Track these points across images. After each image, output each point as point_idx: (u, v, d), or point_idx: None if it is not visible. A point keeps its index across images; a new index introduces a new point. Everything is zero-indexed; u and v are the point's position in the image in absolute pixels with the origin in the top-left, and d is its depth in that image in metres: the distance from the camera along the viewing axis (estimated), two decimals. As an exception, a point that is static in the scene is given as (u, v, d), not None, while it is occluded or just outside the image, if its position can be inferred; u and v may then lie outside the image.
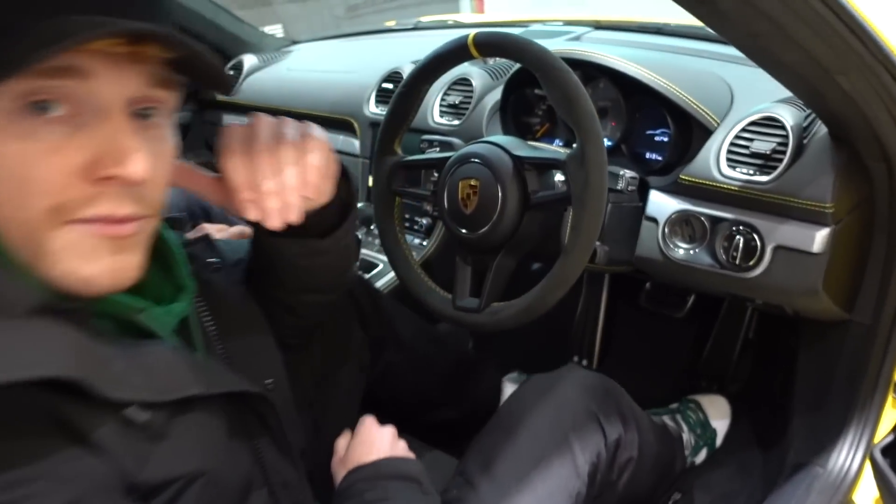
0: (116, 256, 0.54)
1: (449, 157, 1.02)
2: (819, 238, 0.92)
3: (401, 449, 0.85)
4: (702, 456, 1.33)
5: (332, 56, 1.89)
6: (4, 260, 0.50)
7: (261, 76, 1.86)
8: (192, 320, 0.68)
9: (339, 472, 0.81)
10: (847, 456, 1.13)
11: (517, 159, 0.95)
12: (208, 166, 0.75)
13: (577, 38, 1.52)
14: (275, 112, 1.82)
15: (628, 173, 1.02)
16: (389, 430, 0.85)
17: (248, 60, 1.90)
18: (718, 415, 1.40)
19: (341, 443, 0.87)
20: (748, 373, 1.56)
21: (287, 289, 0.84)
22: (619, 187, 1.01)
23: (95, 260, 0.52)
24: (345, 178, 0.80)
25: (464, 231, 0.99)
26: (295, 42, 2.10)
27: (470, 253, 1.02)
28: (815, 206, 0.91)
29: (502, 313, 0.95)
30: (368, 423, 0.86)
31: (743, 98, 1.08)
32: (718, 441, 1.37)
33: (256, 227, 0.76)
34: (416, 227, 1.41)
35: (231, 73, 1.92)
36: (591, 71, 1.15)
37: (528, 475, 0.82)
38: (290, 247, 0.77)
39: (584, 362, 1.73)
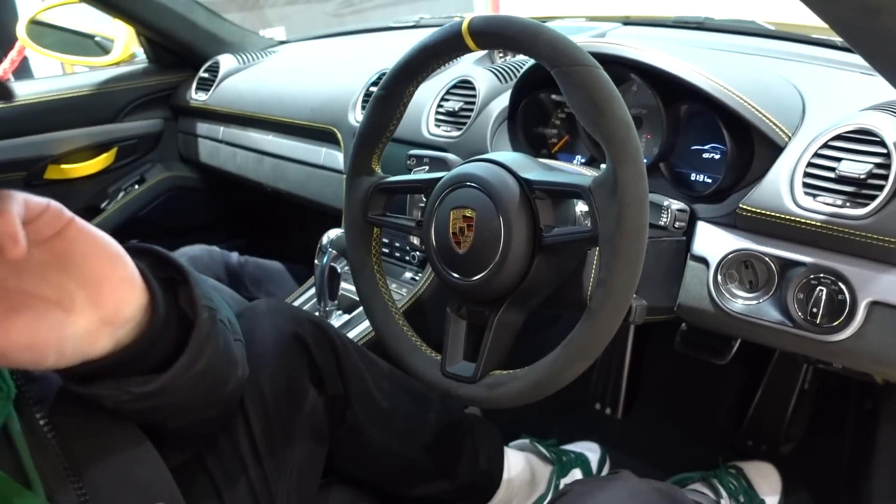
0: None
1: (439, 179, 0.79)
2: (936, 293, 0.68)
3: None
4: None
5: (320, 57, 1.67)
6: None
7: (238, 79, 1.64)
8: (17, 440, 0.46)
9: None
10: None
11: (526, 184, 0.72)
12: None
13: (601, 35, 1.29)
14: (249, 120, 1.61)
15: (675, 205, 0.78)
16: None
17: (226, 62, 1.68)
18: (766, 486, 1.16)
19: None
20: (803, 431, 1.32)
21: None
22: (662, 223, 0.77)
23: None
24: (183, 282, 0.57)
25: (455, 276, 0.76)
26: (283, 42, 1.88)
27: (464, 303, 0.79)
28: (933, 251, 0.67)
29: (504, 388, 0.71)
30: None
31: (818, 105, 0.84)
32: (771, 518, 1.13)
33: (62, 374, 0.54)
34: (406, 257, 1.18)
35: (205, 75, 1.71)
36: (620, 71, 0.91)
37: None
38: (107, 395, 0.54)
39: (608, 411, 1.49)
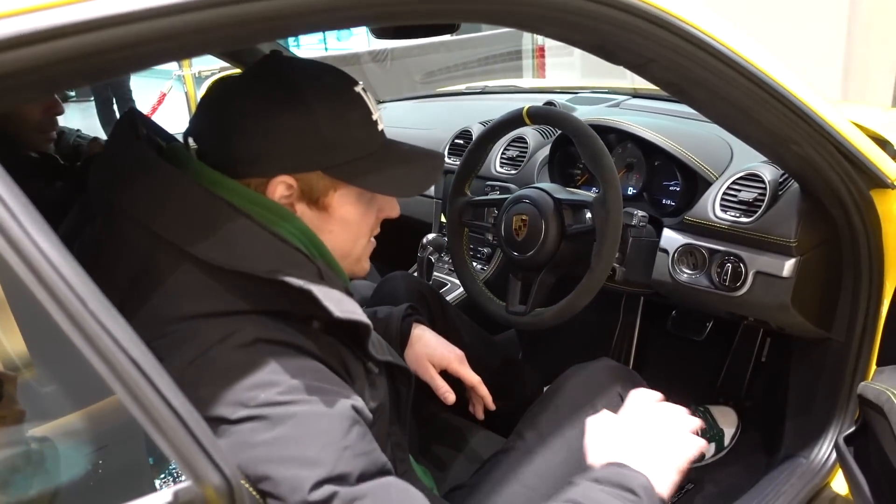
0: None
1: (506, 198, 1.35)
2: (787, 266, 1.20)
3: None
4: (710, 450, 1.59)
5: (413, 115, 2.26)
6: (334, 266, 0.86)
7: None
8: None
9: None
10: (826, 449, 1.38)
11: (557, 200, 1.28)
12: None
13: (616, 105, 1.84)
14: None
15: (639, 213, 1.32)
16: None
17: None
18: (726, 421, 1.65)
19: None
20: (761, 392, 1.80)
21: None
22: (633, 223, 1.31)
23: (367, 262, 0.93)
24: None
25: (515, 254, 1.31)
26: (381, 102, 2.48)
27: (520, 270, 1.34)
28: (783, 241, 1.19)
29: (543, 315, 1.26)
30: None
31: (740, 157, 1.37)
32: (726, 441, 1.62)
33: None
34: (478, 255, 1.74)
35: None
36: (621, 135, 1.47)
37: (564, 433, 1.10)
38: None
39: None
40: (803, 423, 1.46)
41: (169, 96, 4.10)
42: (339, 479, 0.68)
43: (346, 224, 0.86)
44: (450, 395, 1.15)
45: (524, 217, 1.29)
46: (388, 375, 0.95)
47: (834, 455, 1.37)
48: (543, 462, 1.05)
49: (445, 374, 1.20)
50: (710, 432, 1.62)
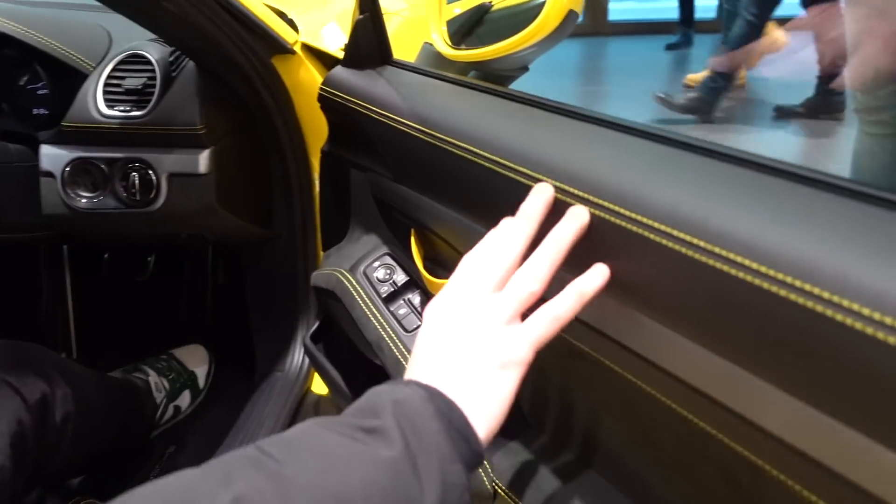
0: None
1: None
2: (201, 160, 0.99)
3: None
4: (186, 399, 1.35)
5: None
6: None
7: None
8: None
9: None
10: (298, 355, 1.27)
11: None
12: None
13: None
14: None
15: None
16: None
17: None
18: (196, 361, 1.43)
19: None
20: (227, 318, 1.63)
21: None
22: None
23: None
24: None
25: None
26: None
27: None
28: (189, 130, 0.98)
29: None
30: None
31: (121, 41, 1.09)
32: (201, 383, 1.41)
33: None
34: None
35: None
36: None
37: None
38: None
39: (64, 354, 1.60)
40: (271, 335, 1.32)
41: None
42: None
43: None
44: None
45: None
46: None
47: (307, 360, 1.27)
48: None
49: None
50: (180, 380, 1.38)
